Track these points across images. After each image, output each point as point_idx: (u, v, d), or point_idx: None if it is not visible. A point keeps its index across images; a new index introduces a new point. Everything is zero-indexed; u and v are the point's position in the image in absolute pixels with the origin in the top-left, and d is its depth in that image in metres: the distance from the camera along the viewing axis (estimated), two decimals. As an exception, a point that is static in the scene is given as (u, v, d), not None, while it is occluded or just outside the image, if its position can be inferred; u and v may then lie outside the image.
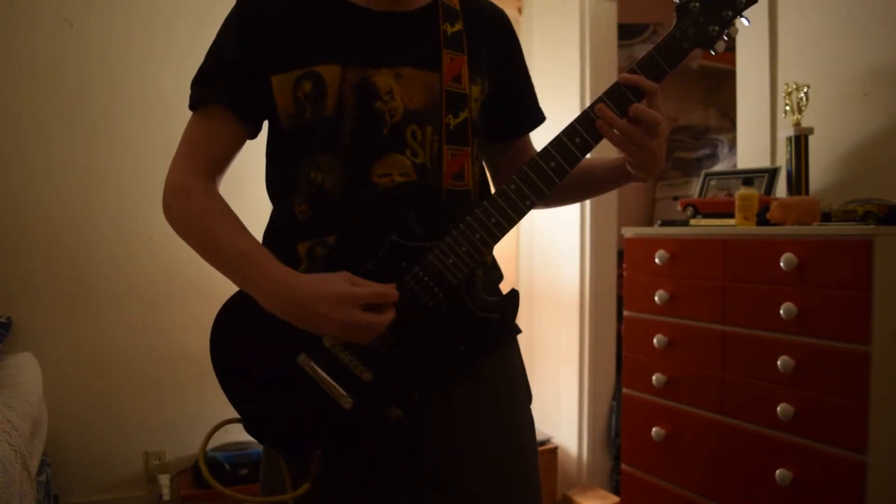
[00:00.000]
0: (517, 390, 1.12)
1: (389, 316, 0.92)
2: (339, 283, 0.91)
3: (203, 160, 1.03)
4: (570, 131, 0.96)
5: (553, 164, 0.95)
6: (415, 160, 1.00)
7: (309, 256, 1.01)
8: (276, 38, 1.01)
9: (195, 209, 1.00)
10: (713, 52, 0.96)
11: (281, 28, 1.01)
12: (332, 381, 0.95)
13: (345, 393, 0.95)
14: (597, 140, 0.96)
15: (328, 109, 0.99)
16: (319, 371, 0.96)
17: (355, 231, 0.99)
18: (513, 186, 0.96)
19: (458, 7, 1.08)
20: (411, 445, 0.99)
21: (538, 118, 1.22)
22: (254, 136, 1.08)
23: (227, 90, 1.02)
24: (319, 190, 1.01)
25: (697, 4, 0.95)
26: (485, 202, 0.96)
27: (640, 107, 0.93)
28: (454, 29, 1.06)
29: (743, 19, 0.96)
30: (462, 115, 1.03)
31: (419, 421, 0.98)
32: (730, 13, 0.95)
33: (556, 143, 0.96)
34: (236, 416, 1.03)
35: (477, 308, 0.99)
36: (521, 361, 1.15)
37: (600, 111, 0.94)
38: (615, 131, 0.94)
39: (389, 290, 0.92)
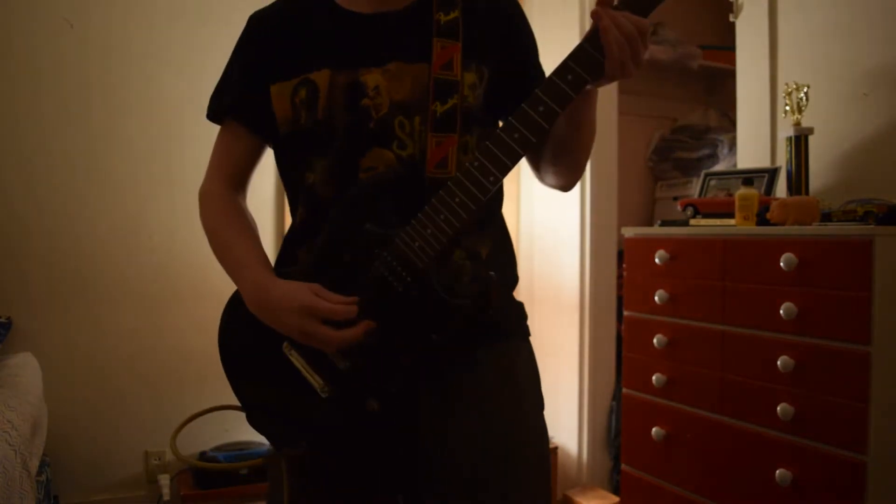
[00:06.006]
0: (520, 395, 1.09)
1: (349, 334, 0.93)
2: (303, 292, 0.95)
3: (224, 168, 1.16)
4: (533, 100, 0.91)
5: (517, 135, 0.91)
6: (401, 152, 1.02)
7: (300, 260, 1.08)
8: (276, 51, 1.09)
9: (211, 212, 1.13)
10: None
11: (280, 41, 1.09)
12: (311, 370, 0.98)
13: (322, 382, 0.97)
14: (563, 106, 0.91)
15: (319, 113, 1.05)
16: (300, 359, 0.99)
17: (337, 227, 1.02)
18: (475, 164, 0.93)
19: None
20: (391, 439, 0.99)
21: None
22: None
23: (233, 103, 1.13)
24: (312, 192, 1.07)
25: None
26: (448, 182, 0.94)
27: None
28: (449, 17, 1.07)
29: None
30: (451, 102, 1.03)
31: (398, 414, 0.98)
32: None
33: (519, 113, 0.92)
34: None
35: (446, 293, 0.95)
36: (530, 367, 1.12)
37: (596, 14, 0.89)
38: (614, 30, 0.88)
39: (347, 308, 0.94)
